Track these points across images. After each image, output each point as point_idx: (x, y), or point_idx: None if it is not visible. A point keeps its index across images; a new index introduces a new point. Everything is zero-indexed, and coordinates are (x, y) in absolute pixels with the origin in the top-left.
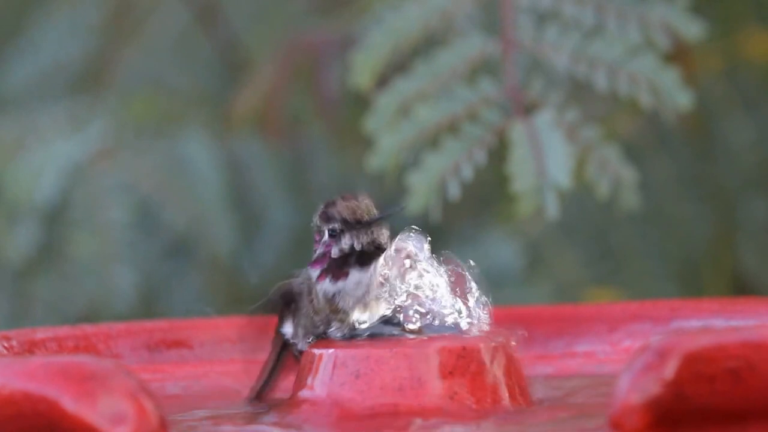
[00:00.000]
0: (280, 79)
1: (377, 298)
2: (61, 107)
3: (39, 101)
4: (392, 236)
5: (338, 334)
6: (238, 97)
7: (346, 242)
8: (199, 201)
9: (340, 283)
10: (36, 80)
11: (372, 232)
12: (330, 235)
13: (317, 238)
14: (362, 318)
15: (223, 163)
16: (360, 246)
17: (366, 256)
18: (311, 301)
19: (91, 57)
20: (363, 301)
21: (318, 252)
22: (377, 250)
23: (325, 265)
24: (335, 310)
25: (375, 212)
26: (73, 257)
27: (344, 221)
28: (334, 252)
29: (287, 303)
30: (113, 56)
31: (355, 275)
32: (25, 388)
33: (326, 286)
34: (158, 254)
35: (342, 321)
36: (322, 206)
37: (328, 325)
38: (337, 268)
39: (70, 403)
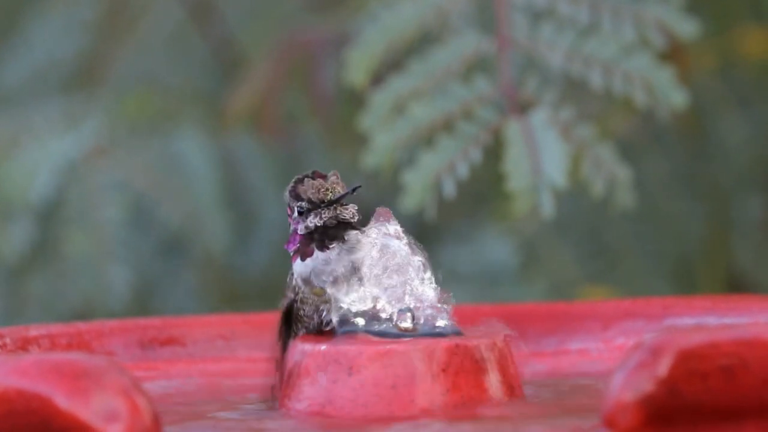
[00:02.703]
0: (275, 76)
1: (352, 275)
2: (55, 105)
3: (33, 99)
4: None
5: (333, 318)
6: (232, 95)
7: (310, 220)
8: (193, 199)
9: (309, 261)
10: (30, 78)
11: (335, 209)
12: (299, 213)
13: (288, 213)
14: (349, 299)
15: (217, 161)
16: (322, 223)
17: (330, 233)
18: (297, 294)
19: (86, 54)
20: (338, 278)
21: (291, 229)
22: (341, 225)
23: (297, 244)
24: (318, 293)
25: (340, 190)
26: (68, 255)
27: (309, 200)
28: (300, 229)
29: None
30: (107, 54)
31: (321, 252)
32: (18, 386)
33: (299, 267)
34: (152, 252)
35: (327, 302)
36: (292, 182)
37: (318, 313)
38: (305, 245)
39: (63, 401)
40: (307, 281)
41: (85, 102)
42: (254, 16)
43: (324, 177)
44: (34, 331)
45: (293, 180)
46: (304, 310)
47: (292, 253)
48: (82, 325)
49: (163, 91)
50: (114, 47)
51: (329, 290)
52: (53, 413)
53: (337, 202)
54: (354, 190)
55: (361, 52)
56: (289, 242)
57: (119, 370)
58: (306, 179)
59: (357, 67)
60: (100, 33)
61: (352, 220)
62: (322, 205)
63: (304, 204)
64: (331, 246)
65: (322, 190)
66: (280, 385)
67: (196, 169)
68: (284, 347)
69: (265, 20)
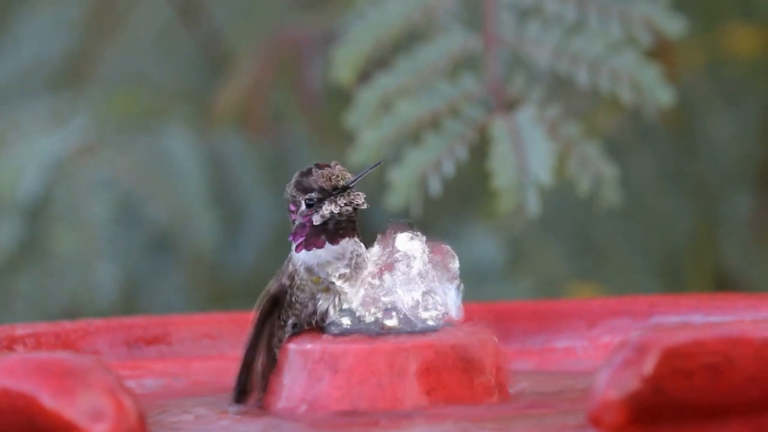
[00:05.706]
0: (263, 74)
1: (359, 268)
2: (43, 103)
3: (21, 97)
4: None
5: (329, 309)
6: (220, 93)
7: (326, 208)
8: (181, 196)
9: (320, 252)
10: (18, 76)
11: (349, 195)
12: (307, 206)
13: (293, 208)
14: (348, 290)
15: (205, 159)
16: (339, 210)
17: (343, 225)
18: (293, 281)
19: (73, 52)
20: (345, 270)
21: (297, 223)
22: (354, 212)
23: (305, 236)
24: (316, 281)
25: (349, 177)
26: (55, 253)
27: (321, 189)
28: (316, 219)
29: (276, 303)
30: (95, 52)
31: (332, 245)
32: (4, 385)
33: (305, 256)
34: (140, 250)
35: (325, 292)
36: (296, 176)
37: (314, 301)
38: (316, 236)
39: (48, 400)
40: (310, 270)
41: (72, 100)
42: (242, 14)
43: (328, 166)
44: (20, 330)
45: (297, 174)
46: (298, 296)
47: (296, 245)
48: (68, 324)
49: (151, 88)
50: (101, 45)
51: (335, 283)
52: (39, 412)
53: (354, 182)
54: (375, 166)
55: (348, 49)
56: (294, 234)
57: (105, 370)
58: (313, 170)
59: (344, 64)
60: (87, 31)
61: (365, 206)
62: (335, 192)
63: (314, 195)
64: (342, 240)
65: (333, 177)
66: (252, 381)
67: (184, 166)
68: (257, 341)
69: (253, 18)
